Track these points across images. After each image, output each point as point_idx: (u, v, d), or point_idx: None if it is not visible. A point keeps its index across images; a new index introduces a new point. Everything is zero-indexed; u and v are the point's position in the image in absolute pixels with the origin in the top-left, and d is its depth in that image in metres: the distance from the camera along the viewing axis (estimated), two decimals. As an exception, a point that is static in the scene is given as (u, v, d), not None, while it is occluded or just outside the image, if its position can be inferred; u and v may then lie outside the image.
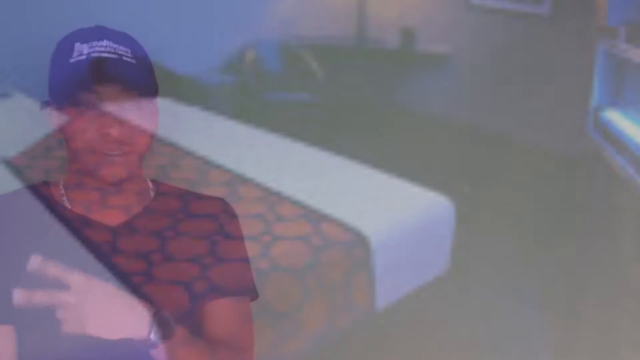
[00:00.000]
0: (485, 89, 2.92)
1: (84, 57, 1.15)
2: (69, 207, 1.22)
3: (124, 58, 1.15)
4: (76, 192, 1.22)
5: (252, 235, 1.80)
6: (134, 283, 1.19)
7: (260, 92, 3.94)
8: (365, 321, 1.56)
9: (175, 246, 1.22)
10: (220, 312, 1.21)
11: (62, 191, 1.24)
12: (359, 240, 1.51)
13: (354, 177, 2.00)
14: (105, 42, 1.16)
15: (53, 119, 1.20)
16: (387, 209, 1.68)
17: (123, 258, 1.19)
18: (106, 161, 1.16)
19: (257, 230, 1.83)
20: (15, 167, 2.39)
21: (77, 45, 1.17)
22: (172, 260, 1.21)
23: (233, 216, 1.30)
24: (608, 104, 2.62)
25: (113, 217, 1.22)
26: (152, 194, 1.24)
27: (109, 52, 1.15)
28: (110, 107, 1.14)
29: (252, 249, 1.79)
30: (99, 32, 1.19)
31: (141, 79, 1.16)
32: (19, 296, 1.08)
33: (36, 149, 2.58)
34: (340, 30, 4.13)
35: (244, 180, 2.17)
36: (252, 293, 1.23)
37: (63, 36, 1.26)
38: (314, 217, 1.61)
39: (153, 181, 1.26)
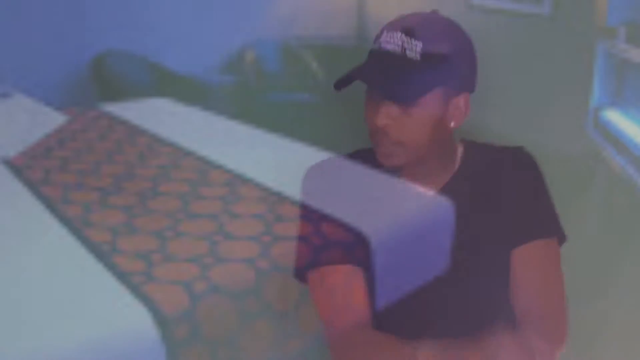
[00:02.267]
0: (485, 89, 2.91)
1: (375, 46, 1.11)
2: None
3: (408, 53, 1.08)
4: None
5: (252, 235, 1.80)
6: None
7: (260, 92, 3.95)
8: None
9: (485, 207, 1.23)
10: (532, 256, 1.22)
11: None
12: (359, 240, 1.50)
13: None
14: (398, 34, 1.08)
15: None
16: (387, 209, 1.67)
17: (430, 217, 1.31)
18: (380, 151, 1.17)
19: (257, 230, 1.83)
20: (15, 167, 2.39)
21: (383, 33, 1.11)
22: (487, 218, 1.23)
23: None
24: (608, 104, 2.62)
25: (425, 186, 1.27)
26: (458, 163, 1.23)
27: (394, 45, 1.08)
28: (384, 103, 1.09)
29: (252, 249, 1.79)
30: (401, 22, 1.10)
31: (402, 84, 1.09)
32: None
33: (36, 149, 2.58)
34: (340, 30, 4.13)
35: (244, 180, 2.17)
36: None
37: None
38: (314, 217, 1.61)
39: (466, 144, 1.23)
